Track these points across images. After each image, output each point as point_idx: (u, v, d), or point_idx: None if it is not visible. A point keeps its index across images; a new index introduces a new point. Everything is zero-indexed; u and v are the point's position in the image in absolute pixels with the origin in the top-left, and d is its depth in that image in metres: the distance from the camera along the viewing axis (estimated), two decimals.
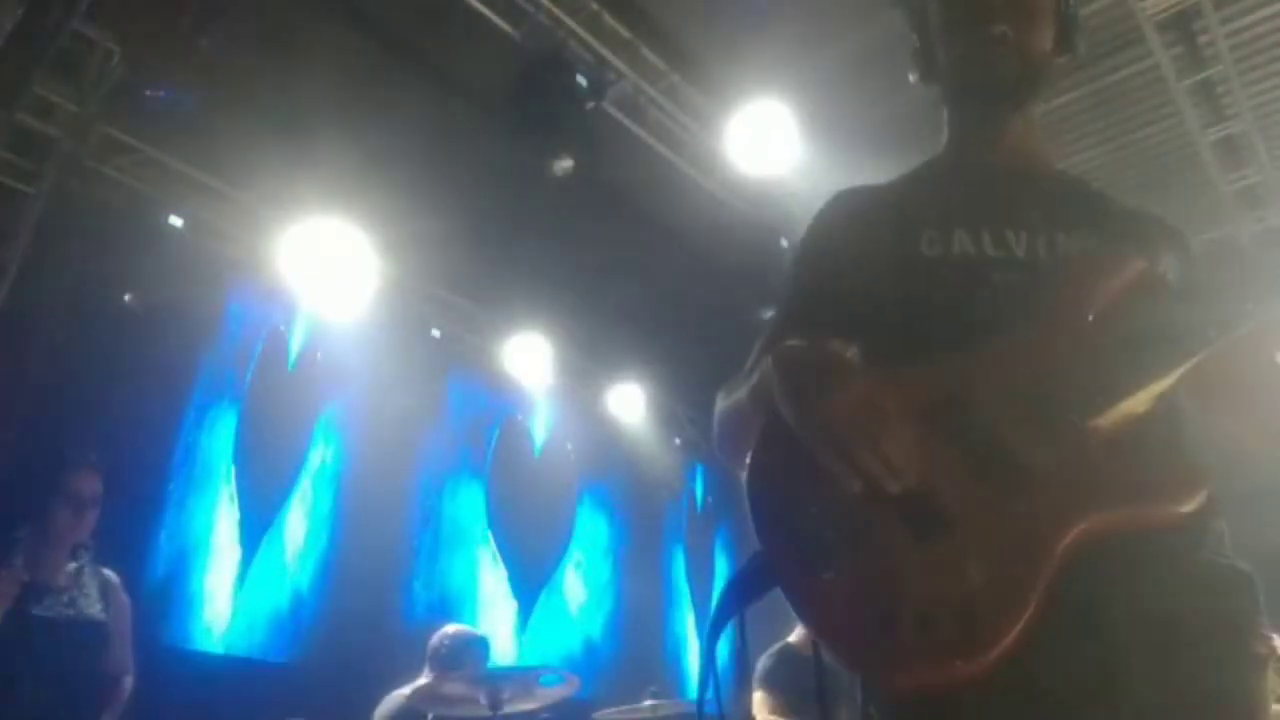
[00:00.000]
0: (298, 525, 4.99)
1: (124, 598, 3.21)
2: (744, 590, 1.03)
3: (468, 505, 5.97)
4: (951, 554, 0.90)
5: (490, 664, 3.87)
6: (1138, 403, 0.99)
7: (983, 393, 1.02)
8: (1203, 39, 4.65)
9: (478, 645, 3.83)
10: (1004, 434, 0.98)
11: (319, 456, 5.19)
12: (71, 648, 2.95)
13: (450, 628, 3.96)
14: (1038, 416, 0.99)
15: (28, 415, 3.79)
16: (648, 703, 4.09)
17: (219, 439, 4.77)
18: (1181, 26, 4.61)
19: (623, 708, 4.16)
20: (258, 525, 4.80)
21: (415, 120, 4.29)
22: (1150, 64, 4.76)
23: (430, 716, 3.43)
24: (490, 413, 6.31)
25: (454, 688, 3.35)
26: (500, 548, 6.03)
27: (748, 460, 1.07)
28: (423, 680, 3.56)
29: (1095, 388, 0.99)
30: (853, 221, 1.31)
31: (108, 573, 3.17)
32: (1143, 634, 0.94)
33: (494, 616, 5.80)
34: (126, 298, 4.28)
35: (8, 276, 3.84)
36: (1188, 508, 0.92)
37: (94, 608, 3.07)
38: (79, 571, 3.05)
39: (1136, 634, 0.94)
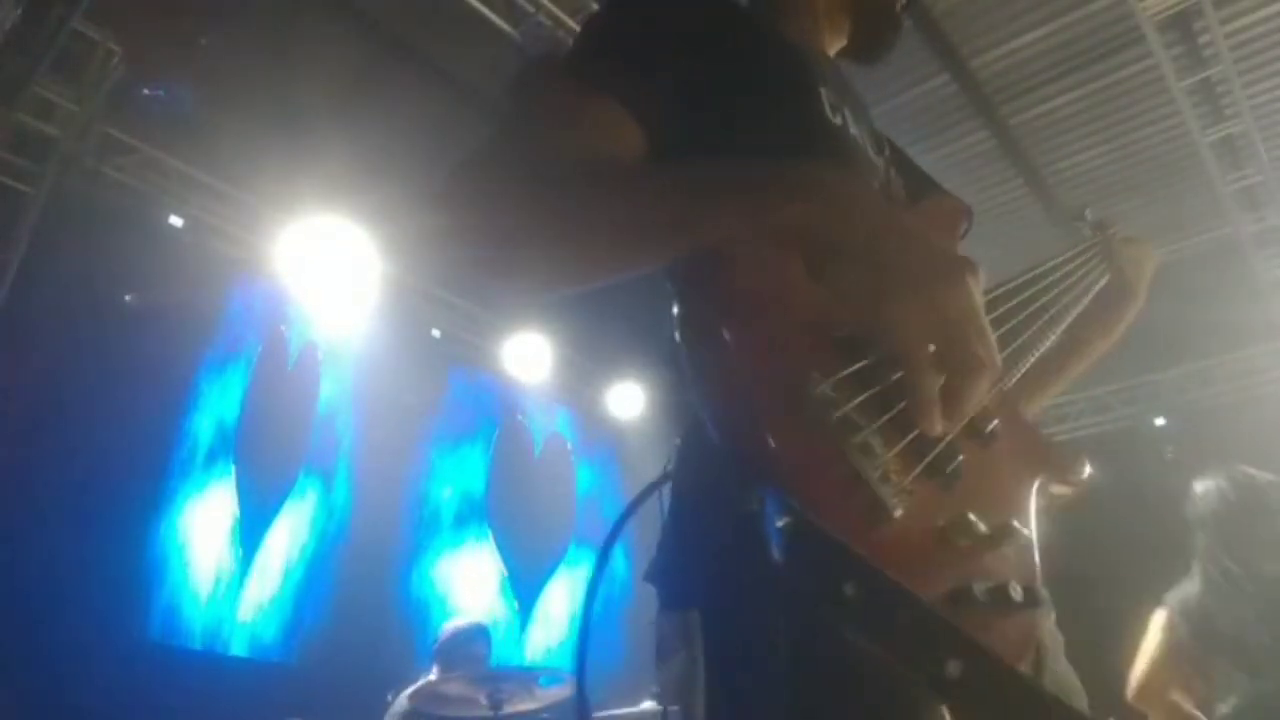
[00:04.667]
0: (297, 525, 4.99)
1: None
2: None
3: (468, 505, 5.97)
4: (981, 506, 0.70)
5: (492, 652, 3.92)
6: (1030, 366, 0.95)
7: None
8: (1203, 39, 4.65)
9: (476, 635, 3.87)
10: None
11: (318, 456, 5.19)
12: None
13: (450, 624, 4.00)
14: None
15: (28, 415, 3.79)
16: (648, 703, 4.09)
17: (218, 439, 4.77)
18: (1181, 26, 4.61)
19: (623, 708, 4.15)
20: (257, 525, 4.80)
21: (415, 120, 4.29)
22: (1150, 64, 4.76)
23: None
24: (490, 413, 6.31)
25: (454, 687, 3.36)
26: (501, 548, 6.03)
27: (720, 311, 0.68)
28: (424, 680, 3.56)
29: (1006, 345, 0.89)
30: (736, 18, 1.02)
31: None
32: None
33: (495, 617, 5.80)
34: (126, 298, 4.28)
35: (8, 276, 3.83)
36: (1078, 488, 0.86)
37: None
38: None
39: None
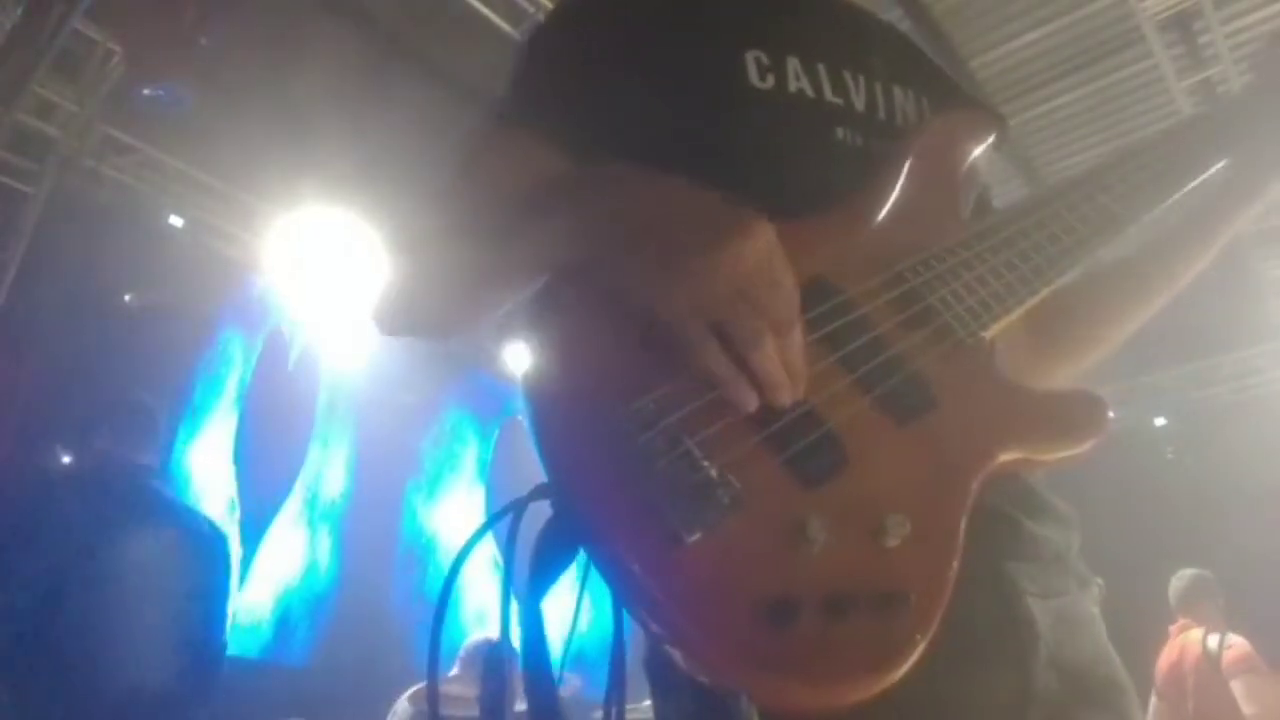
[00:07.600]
0: (298, 525, 4.98)
1: None
2: (544, 567, 0.70)
3: (469, 505, 5.96)
4: (849, 504, 0.62)
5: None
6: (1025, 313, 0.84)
7: (851, 281, 0.76)
8: (1203, 39, 4.65)
9: (485, 650, 3.87)
10: (887, 337, 0.74)
11: (319, 456, 5.18)
12: None
13: (479, 635, 4.01)
14: (916, 319, 0.77)
15: (27, 414, 3.79)
16: (647, 703, 4.08)
17: (219, 439, 4.77)
18: (1181, 26, 4.61)
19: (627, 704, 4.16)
20: (258, 525, 4.79)
21: (415, 120, 4.28)
22: (1150, 64, 4.76)
23: None
24: (491, 412, 6.31)
25: (453, 688, 3.36)
26: (501, 548, 6.03)
27: (538, 346, 0.74)
28: (427, 680, 3.57)
29: (974, 292, 0.80)
30: (635, 13, 0.97)
31: None
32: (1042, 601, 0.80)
33: (496, 617, 5.80)
34: (126, 298, 4.28)
35: (8, 276, 3.83)
36: (1090, 446, 0.77)
37: None
38: None
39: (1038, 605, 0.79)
